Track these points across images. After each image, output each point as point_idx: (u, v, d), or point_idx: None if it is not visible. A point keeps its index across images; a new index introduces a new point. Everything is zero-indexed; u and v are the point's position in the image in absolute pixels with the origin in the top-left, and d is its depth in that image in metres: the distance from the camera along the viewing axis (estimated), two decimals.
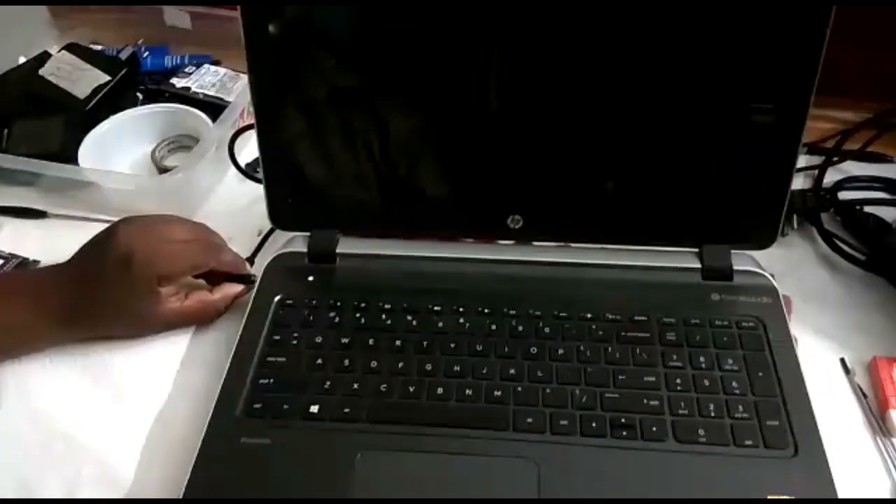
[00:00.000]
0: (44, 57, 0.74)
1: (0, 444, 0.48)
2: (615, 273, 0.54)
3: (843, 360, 0.51)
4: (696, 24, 0.47)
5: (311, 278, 0.54)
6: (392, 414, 0.46)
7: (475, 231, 0.56)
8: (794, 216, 0.59)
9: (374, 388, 0.47)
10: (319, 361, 0.48)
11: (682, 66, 0.48)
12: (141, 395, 0.50)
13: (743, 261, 0.53)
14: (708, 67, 0.48)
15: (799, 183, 0.64)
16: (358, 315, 0.51)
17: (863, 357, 0.51)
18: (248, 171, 0.65)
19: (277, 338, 0.50)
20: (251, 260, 0.59)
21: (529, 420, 0.45)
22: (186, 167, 0.61)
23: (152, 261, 0.49)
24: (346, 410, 0.46)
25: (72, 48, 0.73)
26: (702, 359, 0.48)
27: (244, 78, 0.50)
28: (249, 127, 0.64)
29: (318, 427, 0.45)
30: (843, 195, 0.62)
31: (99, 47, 0.79)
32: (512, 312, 0.51)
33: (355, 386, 0.47)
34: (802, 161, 0.65)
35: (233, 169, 0.66)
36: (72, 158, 0.64)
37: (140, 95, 0.73)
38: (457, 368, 0.48)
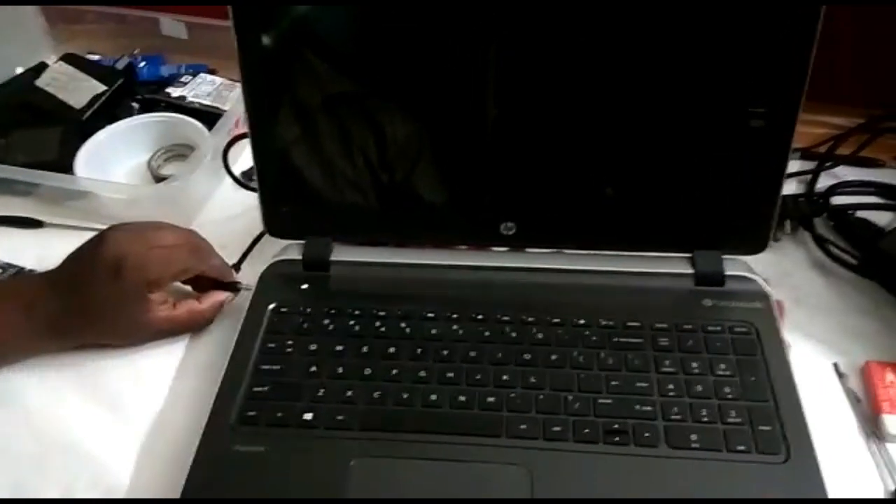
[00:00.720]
0: (41, 67, 0.74)
1: None
2: (608, 279, 0.54)
3: (836, 365, 0.51)
4: (687, 32, 0.47)
5: (305, 286, 0.54)
6: (386, 421, 0.46)
7: (468, 238, 0.56)
8: (787, 221, 0.60)
9: (367, 395, 0.47)
10: (314, 369, 0.48)
11: (673, 73, 0.48)
12: (136, 404, 0.51)
13: (735, 266, 0.53)
14: (698, 74, 0.48)
15: (792, 188, 0.64)
16: (352, 322, 0.51)
17: (856, 362, 0.51)
18: (243, 180, 0.65)
19: (272, 345, 0.50)
20: (237, 267, 0.59)
21: (523, 426, 0.45)
22: (182, 176, 0.62)
23: (142, 266, 0.49)
24: (340, 418, 0.46)
25: (69, 58, 0.73)
26: (694, 364, 0.48)
27: (239, 87, 0.51)
28: (243, 136, 0.64)
29: (312, 434, 0.45)
30: (836, 200, 0.62)
31: (96, 57, 0.79)
32: (505, 319, 0.51)
33: (349, 393, 0.47)
34: (795, 166, 0.66)
35: (228, 177, 0.66)
36: (68, 168, 0.64)
37: (136, 105, 0.73)
38: (450, 375, 0.48)
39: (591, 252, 0.55)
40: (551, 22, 0.47)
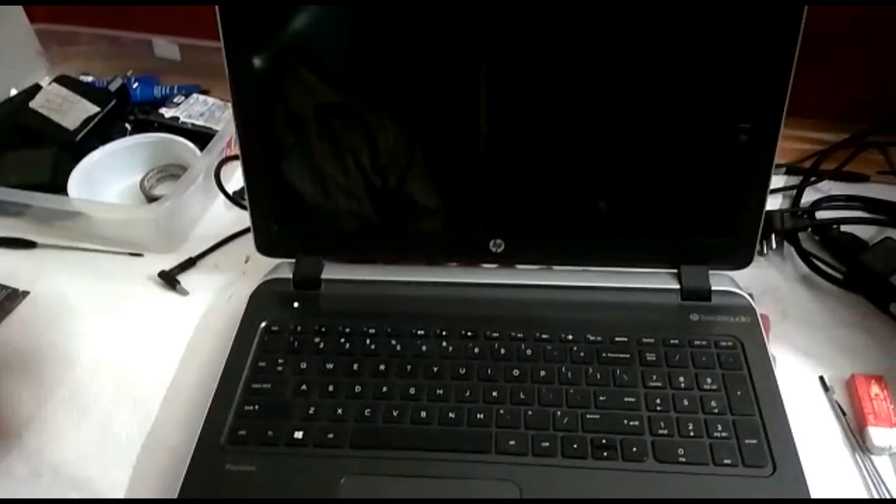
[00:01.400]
0: (35, 89, 0.75)
1: None
2: (596, 295, 0.54)
3: (821, 378, 0.52)
4: (673, 49, 0.48)
5: (296, 304, 0.55)
6: (376, 438, 0.46)
7: (458, 255, 0.56)
8: (773, 236, 0.60)
9: (357, 413, 0.47)
10: (304, 387, 0.49)
11: (660, 90, 0.49)
12: (127, 424, 0.51)
13: (721, 281, 0.54)
14: (684, 91, 0.49)
15: (777, 203, 0.65)
16: (342, 340, 0.52)
17: (841, 375, 0.52)
18: (235, 199, 0.66)
19: (263, 364, 0.50)
20: (173, 276, 0.60)
21: (512, 442, 0.46)
22: (174, 196, 0.62)
23: None
24: (330, 436, 0.46)
25: (62, 80, 0.74)
26: (681, 378, 0.48)
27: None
28: (235, 157, 0.65)
29: (302, 453, 0.46)
30: (821, 214, 0.63)
31: (89, 78, 0.80)
32: (494, 335, 0.51)
33: (339, 411, 0.47)
34: (781, 181, 0.67)
35: (221, 196, 0.67)
36: (62, 189, 0.65)
37: (129, 126, 0.74)
38: (440, 392, 0.48)
39: (580, 268, 0.55)
40: (543, 41, 0.48)
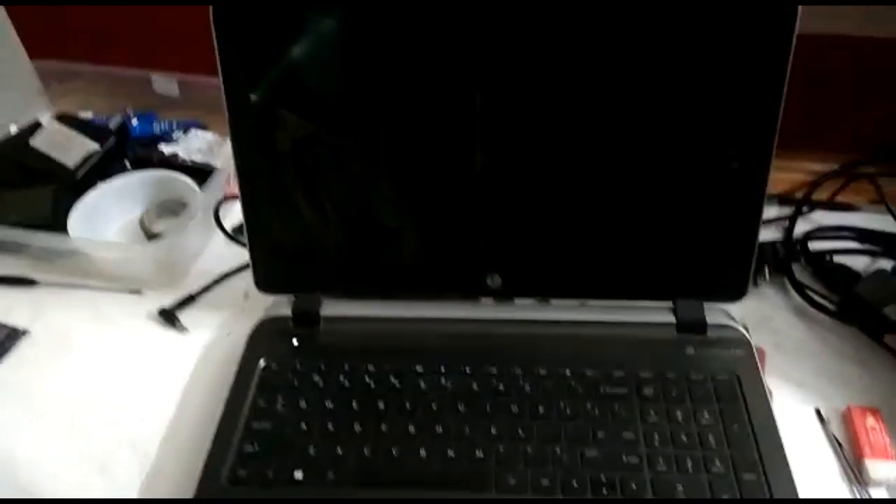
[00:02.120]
0: (35, 126, 0.75)
1: None
2: (593, 329, 0.55)
3: (818, 411, 0.52)
4: (665, 88, 0.48)
5: (295, 342, 0.55)
6: (376, 478, 0.46)
7: (455, 291, 0.57)
8: (766, 267, 0.61)
9: (357, 453, 0.47)
10: (304, 427, 0.49)
11: (654, 126, 0.50)
12: (127, 465, 0.51)
13: (716, 314, 0.54)
14: (677, 127, 0.50)
15: (770, 234, 0.66)
16: (342, 378, 0.52)
17: (838, 406, 0.52)
18: (234, 236, 0.66)
19: (262, 404, 0.51)
20: (173, 313, 0.60)
21: (512, 481, 0.46)
22: (174, 233, 0.63)
23: None
24: (331, 476, 0.46)
25: (62, 118, 0.75)
26: (679, 413, 0.49)
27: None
28: (234, 196, 0.65)
29: (302, 493, 0.46)
30: (813, 245, 0.63)
31: (89, 114, 0.81)
32: (493, 371, 0.52)
33: (339, 451, 0.47)
34: (773, 212, 0.67)
35: (219, 232, 0.67)
36: (62, 226, 0.65)
37: (129, 163, 0.74)
38: (439, 430, 0.48)
39: (577, 302, 0.56)
40: (537, 71, 0.48)
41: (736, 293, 0.54)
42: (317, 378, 0.52)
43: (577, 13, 0.47)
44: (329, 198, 0.55)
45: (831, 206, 0.68)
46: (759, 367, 0.52)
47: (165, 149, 0.75)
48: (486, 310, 0.57)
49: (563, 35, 0.47)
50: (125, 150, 0.75)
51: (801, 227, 0.65)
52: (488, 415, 0.49)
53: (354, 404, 0.50)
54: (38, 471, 0.51)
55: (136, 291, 0.64)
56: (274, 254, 0.56)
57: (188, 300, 0.63)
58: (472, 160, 0.52)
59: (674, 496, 0.45)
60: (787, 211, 0.67)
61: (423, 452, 0.47)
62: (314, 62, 0.51)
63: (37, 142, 0.72)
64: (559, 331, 0.55)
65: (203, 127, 0.79)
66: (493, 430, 0.48)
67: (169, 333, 0.61)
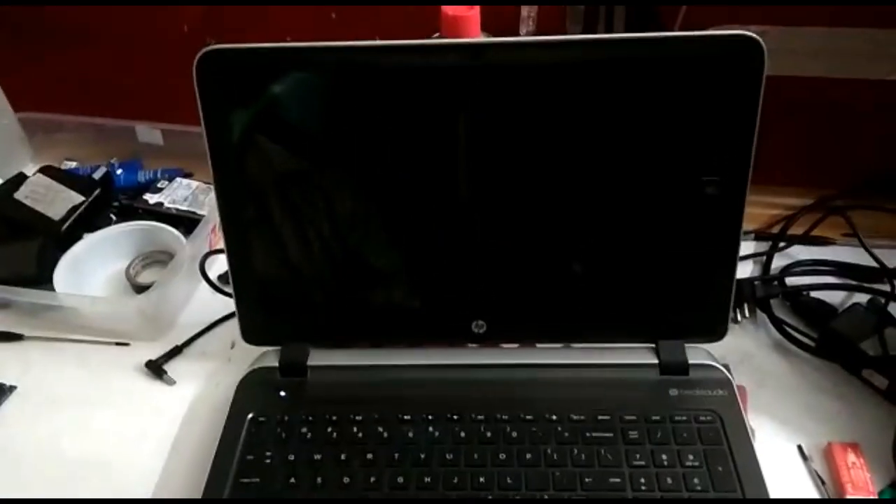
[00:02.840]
0: (20, 178, 0.76)
1: None
2: (577, 373, 0.55)
3: (800, 447, 0.53)
4: (643, 131, 0.50)
5: (282, 393, 0.55)
6: None
7: (441, 338, 0.58)
8: (745, 304, 0.62)
9: None
10: (293, 481, 0.49)
11: (631, 169, 0.51)
12: None
13: (698, 354, 0.55)
14: (654, 169, 0.51)
15: (748, 270, 0.67)
16: (329, 429, 0.52)
17: (818, 442, 0.53)
18: (220, 286, 0.67)
19: (251, 458, 0.51)
20: (160, 365, 0.61)
21: None
22: (160, 285, 0.63)
23: None
24: None
25: (47, 170, 0.75)
26: (664, 456, 0.49)
27: None
28: (220, 251, 0.66)
29: None
30: (791, 280, 0.64)
31: (73, 164, 0.82)
32: (480, 418, 0.52)
33: None
34: (750, 248, 0.69)
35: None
36: (48, 280, 0.65)
37: (114, 215, 0.75)
38: (427, 480, 0.49)
39: (561, 345, 0.57)
40: (518, 115, 0.49)
41: (716, 333, 0.55)
42: (304, 430, 0.52)
43: (563, 65, 0.48)
44: (315, 250, 0.55)
45: (808, 240, 0.69)
46: (742, 407, 0.52)
47: (151, 198, 0.75)
48: (471, 355, 0.57)
49: (544, 83, 0.49)
50: (110, 200, 0.76)
51: (778, 262, 0.67)
52: (476, 463, 0.50)
53: (343, 456, 0.50)
54: None
55: (124, 344, 0.64)
56: (260, 305, 0.56)
57: (175, 351, 0.63)
58: (457, 196, 0.52)
59: None
60: (763, 247, 0.69)
61: None
62: (296, 106, 0.51)
63: (21, 195, 0.73)
64: (544, 374, 0.56)
65: (188, 175, 0.79)
66: (482, 479, 0.49)
67: (157, 386, 0.61)
